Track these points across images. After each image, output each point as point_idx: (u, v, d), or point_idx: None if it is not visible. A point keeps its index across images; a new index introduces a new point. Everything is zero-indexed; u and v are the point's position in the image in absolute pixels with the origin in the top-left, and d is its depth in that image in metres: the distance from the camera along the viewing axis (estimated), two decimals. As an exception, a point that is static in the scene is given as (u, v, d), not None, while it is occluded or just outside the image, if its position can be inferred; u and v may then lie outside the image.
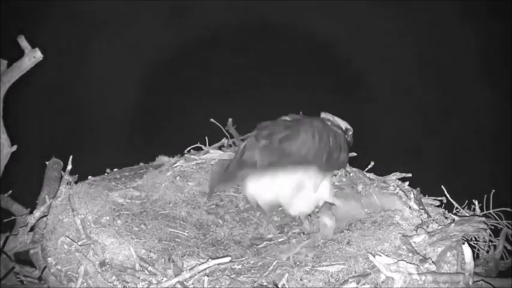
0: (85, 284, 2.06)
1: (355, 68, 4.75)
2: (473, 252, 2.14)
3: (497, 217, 2.67)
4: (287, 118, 2.51)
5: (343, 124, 2.69)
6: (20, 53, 2.67)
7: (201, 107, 4.58)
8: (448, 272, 2.07)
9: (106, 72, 4.49)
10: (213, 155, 3.15)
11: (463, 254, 2.01)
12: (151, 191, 2.85)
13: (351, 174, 2.93)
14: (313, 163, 2.24)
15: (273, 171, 2.21)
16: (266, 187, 2.26)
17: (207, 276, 2.06)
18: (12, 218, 2.87)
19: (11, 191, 3.00)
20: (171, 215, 2.67)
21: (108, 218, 2.45)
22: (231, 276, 2.10)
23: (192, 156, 3.12)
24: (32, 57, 2.67)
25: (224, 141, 3.41)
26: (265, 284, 2.04)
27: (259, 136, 2.28)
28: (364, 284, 1.96)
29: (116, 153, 4.21)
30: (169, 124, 4.70)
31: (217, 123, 3.44)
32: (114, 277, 2.08)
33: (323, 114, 2.78)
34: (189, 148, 3.26)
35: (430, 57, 4.63)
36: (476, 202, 2.66)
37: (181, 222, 2.61)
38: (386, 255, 2.05)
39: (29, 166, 3.33)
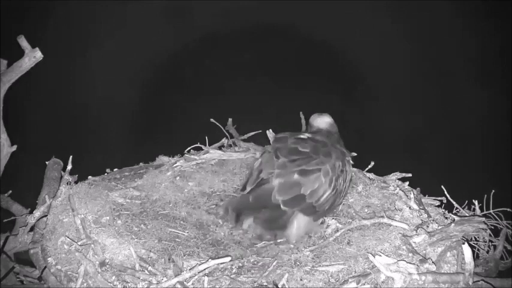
0: (85, 284, 2.06)
1: (355, 68, 4.75)
2: (473, 252, 2.15)
3: (497, 217, 2.68)
4: (304, 136, 2.35)
5: None
6: (20, 53, 2.68)
7: (201, 107, 4.57)
8: (448, 272, 2.07)
9: (106, 72, 4.49)
10: (213, 155, 3.15)
11: (463, 254, 2.02)
12: (151, 191, 2.85)
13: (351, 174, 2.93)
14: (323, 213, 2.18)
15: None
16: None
17: (207, 276, 2.06)
18: (12, 218, 2.88)
19: (11, 191, 3.00)
20: (171, 215, 2.67)
21: (108, 218, 2.45)
22: (231, 276, 2.10)
23: (192, 156, 3.12)
24: (32, 57, 2.67)
25: (224, 141, 3.41)
26: (265, 284, 2.04)
27: (277, 158, 2.15)
28: (364, 284, 1.96)
29: (116, 153, 4.21)
30: (169, 124, 4.70)
31: (217, 123, 3.44)
32: (114, 277, 2.08)
33: (320, 119, 2.72)
34: (189, 148, 3.26)
35: (431, 57, 4.63)
36: (476, 202, 2.66)
37: (181, 222, 2.61)
38: (387, 255, 2.05)
39: (29, 166, 3.33)
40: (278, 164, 2.09)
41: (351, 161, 2.48)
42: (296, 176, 2.05)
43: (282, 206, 1.93)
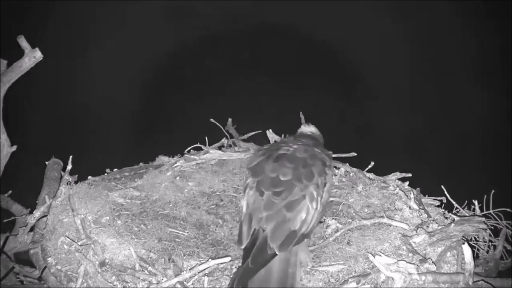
0: (85, 284, 2.06)
1: (355, 68, 4.75)
2: (473, 252, 2.15)
3: (497, 217, 2.68)
4: (282, 152, 2.31)
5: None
6: (20, 53, 2.68)
7: (201, 107, 4.58)
8: (448, 272, 2.07)
9: (106, 72, 4.49)
10: (213, 155, 3.15)
11: (463, 254, 2.02)
12: (151, 191, 2.85)
13: (351, 174, 2.93)
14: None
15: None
16: None
17: (207, 276, 2.06)
18: (12, 218, 2.88)
19: (11, 191, 3.00)
20: (171, 215, 2.67)
21: (108, 218, 2.45)
22: (231, 275, 2.10)
23: (192, 156, 3.12)
24: (32, 57, 2.67)
25: (224, 141, 3.41)
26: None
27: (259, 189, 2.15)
28: (364, 284, 1.96)
29: (116, 153, 4.21)
30: (169, 124, 4.70)
31: (217, 123, 3.44)
32: (114, 277, 2.09)
33: (305, 127, 2.74)
34: (189, 148, 3.26)
35: (431, 57, 4.63)
36: (476, 202, 2.66)
37: (181, 222, 2.61)
38: (387, 255, 2.05)
39: (29, 166, 3.33)
40: (265, 204, 2.10)
41: (331, 160, 2.49)
42: (284, 211, 2.06)
43: (277, 252, 1.94)
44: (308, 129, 2.74)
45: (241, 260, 1.99)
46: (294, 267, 1.99)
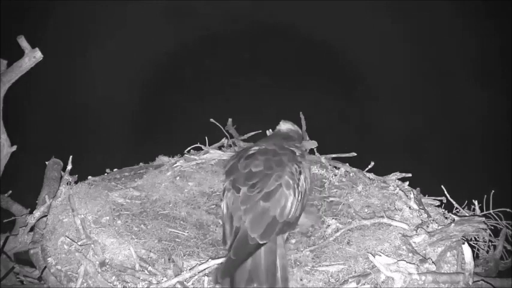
0: (85, 284, 2.06)
1: (355, 68, 4.75)
2: (473, 252, 2.15)
3: (497, 217, 2.68)
4: (253, 151, 2.34)
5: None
6: (20, 53, 2.68)
7: (201, 107, 4.58)
8: (448, 272, 2.07)
9: (106, 72, 4.49)
10: (213, 155, 3.15)
11: (463, 254, 2.02)
12: (151, 191, 2.85)
13: (351, 174, 2.93)
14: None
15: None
16: None
17: (207, 276, 2.06)
18: (12, 218, 2.88)
19: (11, 191, 3.00)
20: (171, 215, 2.67)
21: (108, 218, 2.45)
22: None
23: (192, 156, 3.12)
24: (32, 57, 2.67)
25: (224, 141, 3.41)
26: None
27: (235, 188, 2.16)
28: (364, 284, 1.96)
29: (116, 153, 4.21)
30: (169, 124, 4.70)
31: (217, 123, 3.44)
32: (114, 277, 2.09)
33: (283, 124, 2.78)
34: (189, 148, 3.26)
35: (431, 57, 4.63)
36: (476, 202, 2.66)
37: (181, 222, 2.61)
38: (387, 255, 2.05)
39: (29, 166, 3.33)
40: (241, 200, 2.11)
41: (304, 152, 2.52)
42: (261, 203, 2.07)
43: (259, 241, 1.95)
44: (284, 126, 2.78)
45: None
46: (282, 259, 1.99)
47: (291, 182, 2.15)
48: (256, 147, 2.36)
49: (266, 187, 2.11)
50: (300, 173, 2.24)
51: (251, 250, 1.94)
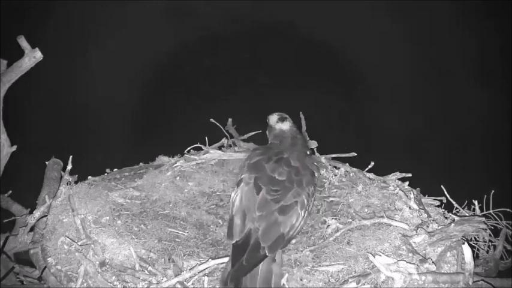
0: (85, 284, 2.06)
1: (355, 68, 4.75)
2: (473, 252, 2.15)
3: (497, 217, 2.67)
4: (278, 157, 2.39)
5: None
6: (20, 53, 2.68)
7: (201, 107, 4.58)
8: (448, 272, 2.07)
9: (106, 72, 4.49)
10: (213, 155, 3.14)
11: (463, 254, 2.02)
12: (151, 191, 2.85)
13: (351, 174, 2.93)
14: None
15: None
16: None
17: (207, 276, 2.06)
18: (12, 218, 2.88)
19: (11, 191, 3.00)
20: (171, 215, 2.67)
21: (108, 218, 2.45)
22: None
23: (192, 156, 3.11)
24: (32, 57, 2.67)
25: (224, 141, 3.41)
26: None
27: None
28: (364, 284, 1.96)
29: (116, 153, 4.21)
30: (169, 124, 4.70)
31: (217, 123, 3.44)
32: (114, 277, 2.09)
33: (282, 124, 2.79)
34: (189, 148, 3.26)
35: (431, 57, 4.63)
36: (476, 202, 2.65)
37: (181, 222, 2.61)
38: (387, 255, 2.05)
39: (29, 166, 3.33)
40: (259, 203, 2.15)
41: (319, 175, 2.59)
42: (276, 214, 2.12)
43: (267, 253, 2.00)
44: (285, 126, 2.79)
45: (231, 255, 2.00)
46: (278, 268, 2.03)
47: (305, 202, 2.22)
48: (283, 153, 2.41)
49: (284, 200, 2.17)
50: (313, 195, 2.33)
51: (260, 259, 1.99)
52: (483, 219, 2.20)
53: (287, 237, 2.10)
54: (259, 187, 2.20)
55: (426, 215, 2.41)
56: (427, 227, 2.28)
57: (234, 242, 2.05)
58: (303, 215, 2.19)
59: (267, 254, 1.99)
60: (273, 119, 2.84)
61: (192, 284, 2.04)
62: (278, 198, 2.16)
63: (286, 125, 2.79)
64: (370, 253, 2.07)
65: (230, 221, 2.15)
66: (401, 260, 2.02)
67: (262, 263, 1.99)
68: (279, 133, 2.77)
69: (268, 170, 2.28)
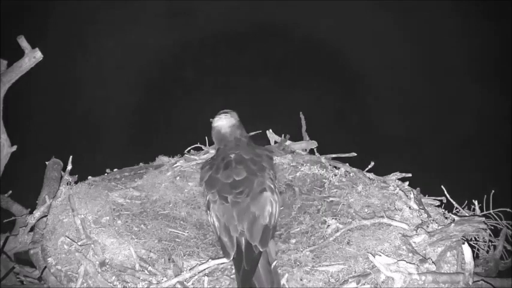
0: (85, 284, 2.06)
1: (355, 68, 4.75)
2: (473, 252, 2.15)
3: (497, 217, 2.67)
4: (230, 158, 2.39)
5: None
6: (20, 53, 2.68)
7: (201, 107, 4.58)
8: (448, 272, 2.07)
9: (106, 72, 4.49)
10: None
11: (463, 254, 2.02)
12: (151, 191, 2.85)
13: (351, 174, 2.93)
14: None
15: None
16: None
17: (207, 276, 2.06)
18: (12, 218, 2.88)
19: (11, 191, 3.00)
20: (171, 215, 2.67)
21: (108, 218, 2.45)
22: (231, 276, 2.10)
23: (192, 156, 3.11)
24: (32, 57, 2.67)
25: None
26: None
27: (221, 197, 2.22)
28: (364, 284, 1.96)
29: (116, 153, 4.21)
30: (169, 124, 4.70)
31: (217, 123, 3.42)
32: (114, 277, 2.08)
33: (224, 122, 2.74)
34: (189, 148, 3.26)
35: (431, 57, 4.63)
36: (476, 202, 2.65)
37: (181, 222, 2.61)
38: (387, 255, 2.05)
39: (29, 166, 3.33)
40: (231, 206, 2.17)
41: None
42: (252, 210, 2.14)
43: (261, 249, 2.03)
44: (227, 124, 2.72)
45: (235, 270, 2.01)
46: (272, 259, 2.06)
47: (272, 186, 2.27)
48: (229, 156, 2.41)
49: (252, 192, 2.20)
50: (275, 177, 2.37)
51: (257, 257, 2.01)
52: (483, 219, 2.20)
53: (271, 225, 2.14)
54: (225, 198, 2.21)
55: (426, 215, 2.41)
56: (427, 227, 2.28)
57: (231, 259, 2.06)
58: (276, 199, 2.23)
59: (261, 250, 2.02)
60: (214, 120, 2.77)
61: (192, 284, 2.04)
62: (246, 193, 2.20)
63: (223, 121, 2.72)
64: (370, 253, 2.07)
65: (219, 242, 2.16)
66: (401, 260, 2.02)
67: (262, 259, 2.01)
68: (222, 136, 2.66)
69: (223, 178, 2.29)
